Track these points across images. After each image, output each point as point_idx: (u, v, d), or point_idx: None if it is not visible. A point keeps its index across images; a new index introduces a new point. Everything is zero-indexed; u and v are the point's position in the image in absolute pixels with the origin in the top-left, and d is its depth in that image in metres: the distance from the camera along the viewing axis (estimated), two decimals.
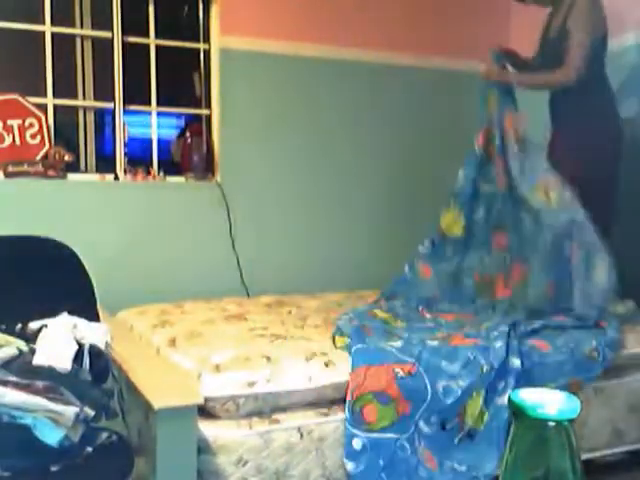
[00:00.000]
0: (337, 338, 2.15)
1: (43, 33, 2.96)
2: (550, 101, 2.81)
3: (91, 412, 1.45)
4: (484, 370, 1.99)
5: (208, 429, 1.76)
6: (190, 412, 1.63)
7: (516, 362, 2.04)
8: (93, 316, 1.80)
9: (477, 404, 1.95)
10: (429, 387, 1.92)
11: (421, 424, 1.92)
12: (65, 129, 3.13)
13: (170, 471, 1.59)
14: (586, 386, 2.16)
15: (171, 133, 3.57)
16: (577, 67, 2.54)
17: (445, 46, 3.62)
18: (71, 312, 1.68)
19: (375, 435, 1.87)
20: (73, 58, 3.19)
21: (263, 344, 2.14)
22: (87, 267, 1.88)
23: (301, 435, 1.84)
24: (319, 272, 3.37)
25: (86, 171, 3.19)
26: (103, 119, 3.34)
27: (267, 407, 1.87)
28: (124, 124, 3.14)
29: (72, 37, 3.17)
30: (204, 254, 3.19)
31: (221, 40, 3.21)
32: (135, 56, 3.16)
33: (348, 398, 1.88)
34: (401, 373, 1.92)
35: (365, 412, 1.87)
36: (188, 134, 3.37)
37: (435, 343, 2.10)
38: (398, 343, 2.06)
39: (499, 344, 2.07)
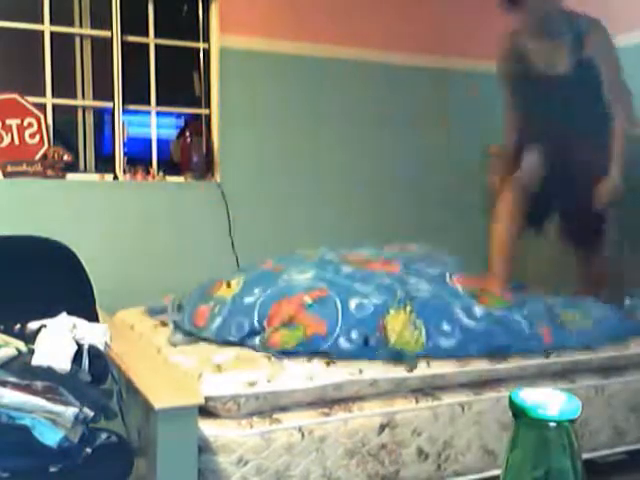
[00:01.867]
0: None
1: (42, 32, 2.96)
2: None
3: (90, 413, 1.44)
4: (398, 295, 2.01)
5: (209, 429, 1.75)
6: (191, 412, 1.63)
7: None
8: (92, 316, 1.80)
9: (399, 321, 1.95)
10: (339, 305, 1.95)
11: (341, 340, 1.94)
12: (64, 129, 3.13)
13: (171, 471, 1.59)
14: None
15: (170, 133, 3.56)
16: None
17: (445, 45, 3.61)
18: (70, 312, 1.67)
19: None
20: (72, 57, 3.18)
21: None
22: (86, 267, 1.88)
23: (302, 435, 1.83)
24: None
25: (85, 171, 3.18)
26: (102, 119, 3.33)
27: (268, 407, 1.86)
28: (123, 124, 3.13)
29: (71, 36, 3.17)
30: (204, 254, 3.19)
31: (221, 39, 3.20)
32: (134, 55, 3.15)
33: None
34: (309, 301, 1.98)
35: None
36: (188, 134, 3.36)
37: (349, 269, 2.13)
38: (309, 274, 2.11)
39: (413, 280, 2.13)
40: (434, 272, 2.29)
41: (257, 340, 1.98)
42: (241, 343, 2.02)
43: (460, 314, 2.05)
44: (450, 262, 2.48)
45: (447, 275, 2.25)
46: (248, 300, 2.07)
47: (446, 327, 2.02)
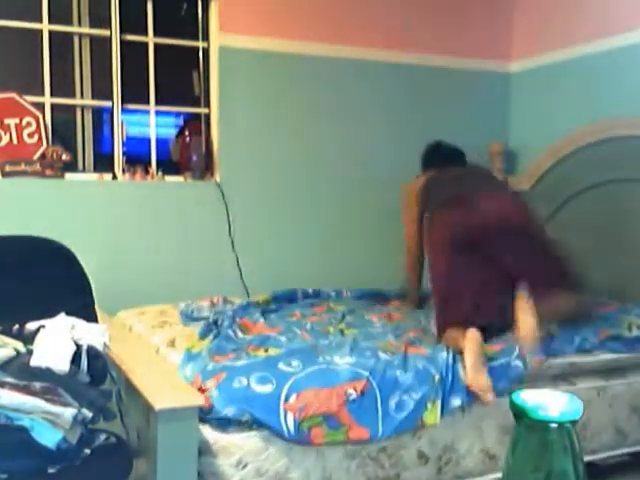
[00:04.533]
0: None
1: (41, 31, 2.95)
2: None
3: (89, 414, 1.43)
4: (436, 380, 1.96)
5: (208, 431, 1.74)
6: (191, 413, 1.62)
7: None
8: (91, 317, 1.79)
9: (434, 416, 1.92)
10: (380, 407, 1.86)
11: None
12: (63, 128, 3.12)
13: (170, 473, 1.58)
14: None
15: (170, 132, 3.55)
16: None
17: (447, 45, 3.60)
18: (69, 313, 1.67)
19: None
20: (71, 56, 3.17)
21: None
22: (85, 267, 1.87)
23: None
24: (319, 272, 3.35)
25: (84, 170, 3.17)
26: (101, 118, 3.33)
27: None
28: (122, 123, 3.13)
29: (70, 35, 3.16)
30: (203, 254, 3.18)
31: (220, 38, 3.19)
32: (133, 54, 3.14)
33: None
34: (353, 395, 1.84)
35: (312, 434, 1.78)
36: (187, 133, 3.35)
37: (387, 356, 2.05)
38: (350, 360, 1.99)
39: (444, 354, 2.06)
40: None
41: (289, 425, 1.77)
42: (260, 423, 1.78)
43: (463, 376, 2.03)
44: None
45: None
46: (283, 367, 1.92)
47: (456, 402, 1.98)
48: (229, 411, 1.74)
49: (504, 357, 2.09)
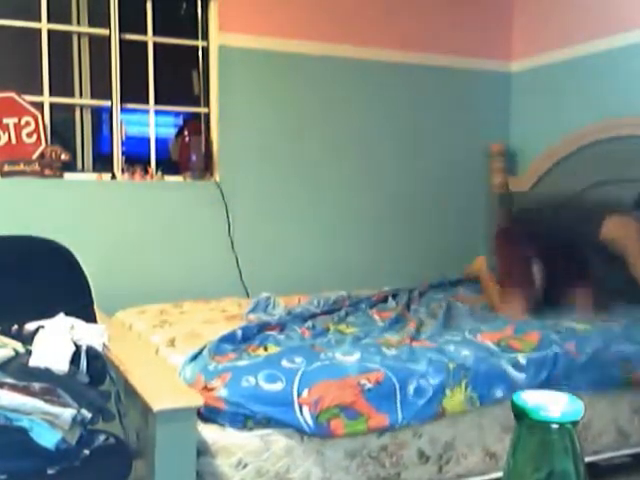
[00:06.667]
0: None
1: (39, 30, 2.95)
2: None
3: (88, 414, 1.43)
4: (450, 368, 1.96)
5: (208, 431, 1.74)
6: (190, 414, 1.61)
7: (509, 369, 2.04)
8: (90, 317, 1.79)
9: (457, 403, 1.93)
10: (399, 393, 1.85)
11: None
12: (62, 128, 3.12)
13: (169, 474, 1.58)
14: None
15: (169, 132, 3.55)
16: None
17: (447, 45, 3.60)
18: (68, 313, 1.67)
19: None
20: (70, 56, 3.17)
21: None
22: (84, 267, 1.87)
23: (302, 437, 1.82)
24: (319, 272, 3.35)
25: (83, 170, 3.17)
26: (100, 117, 3.32)
27: None
28: (121, 123, 3.12)
29: (69, 34, 3.16)
30: (203, 254, 3.18)
31: (220, 37, 3.19)
32: (133, 54, 3.14)
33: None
34: (369, 385, 1.84)
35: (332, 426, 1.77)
36: (186, 133, 3.35)
37: (392, 351, 2.05)
38: (357, 355, 1.98)
39: (451, 347, 2.09)
40: (456, 334, 2.27)
41: (307, 419, 1.75)
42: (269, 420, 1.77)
43: (509, 369, 2.04)
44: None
45: (467, 334, 2.24)
46: (288, 364, 1.89)
47: (499, 393, 1.99)
48: (241, 409, 1.73)
49: (542, 349, 2.14)
